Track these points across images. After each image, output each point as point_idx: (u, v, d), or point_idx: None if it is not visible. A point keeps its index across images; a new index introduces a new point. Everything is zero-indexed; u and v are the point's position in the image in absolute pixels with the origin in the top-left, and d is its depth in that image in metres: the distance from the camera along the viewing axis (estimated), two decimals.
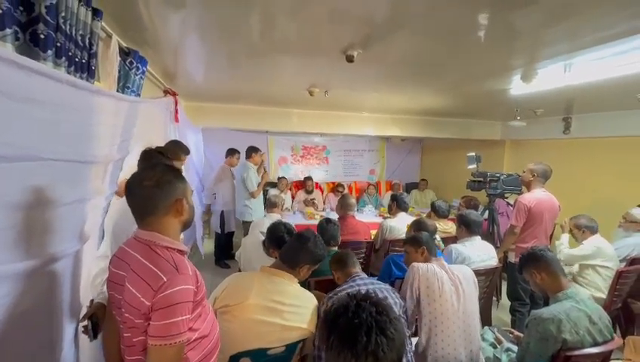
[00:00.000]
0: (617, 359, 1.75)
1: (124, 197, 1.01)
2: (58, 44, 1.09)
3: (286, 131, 5.58)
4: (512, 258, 2.78)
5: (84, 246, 1.35)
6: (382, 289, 1.55)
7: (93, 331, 1.23)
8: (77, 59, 1.23)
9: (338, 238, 2.35)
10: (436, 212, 3.26)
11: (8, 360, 0.96)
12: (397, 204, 3.15)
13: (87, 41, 1.30)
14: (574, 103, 3.62)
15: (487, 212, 3.37)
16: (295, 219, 4.49)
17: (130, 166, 1.76)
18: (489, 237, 3.13)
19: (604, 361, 1.50)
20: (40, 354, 1.10)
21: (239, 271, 2.55)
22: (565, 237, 2.85)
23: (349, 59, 2.07)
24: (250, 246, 2.47)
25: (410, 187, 6.86)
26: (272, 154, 6.50)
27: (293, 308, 1.42)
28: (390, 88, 3.24)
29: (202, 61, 2.59)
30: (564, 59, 2.08)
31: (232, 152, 4.28)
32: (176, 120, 3.17)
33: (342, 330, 0.82)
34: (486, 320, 2.42)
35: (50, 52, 1.05)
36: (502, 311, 3.20)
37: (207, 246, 4.51)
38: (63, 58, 1.13)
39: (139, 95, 2.03)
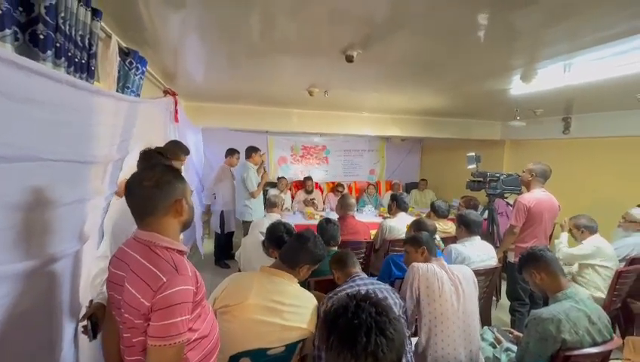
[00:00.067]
0: (617, 359, 1.75)
1: (124, 198, 1.01)
2: (57, 45, 1.09)
3: (286, 131, 5.58)
4: (512, 258, 2.78)
5: (84, 247, 1.35)
6: (382, 290, 1.55)
7: (93, 331, 1.23)
8: (76, 60, 1.23)
9: (338, 238, 2.35)
10: (436, 212, 3.26)
11: (8, 360, 0.96)
12: (397, 204, 3.15)
13: (86, 41, 1.30)
14: (574, 103, 3.62)
15: (486, 212, 3.37)
16: (295, 219, 4.49)
17: (130, 166, 1.76)
18: (489, 237, 3.13)
19: (604, 361, 1.50)
20: (40, 354, 1.10)
21: (239, 271, 2.55)
22: (564, 236, 2.85)
23: (349, 59, 2.07)
24: (250, 247, 2.47)
25: (410, 187, 6.86)
26: (272, 154, 6.50)
27: (292, 308, 1.42)
28: (390, 88, 3.24)
29: (202, 61, 2.59)
30: (564, 59, 2.08)
31: (231, 152, 4.28)
32: (176, 120, 3.17)
33: (341, 331, 0.82)
34: (486, 320, 2.42)
35: (49, 52, 1.05)
36: (501, 310, 3.20)
37: (207, 247, 4.51)
38: (63, 58, 1.13)
39: (138, 95, 2.03)
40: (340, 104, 4.18)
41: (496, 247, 2.70)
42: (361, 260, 2.81)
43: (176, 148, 2.33)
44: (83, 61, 1.29)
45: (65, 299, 1.22)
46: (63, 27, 1.10)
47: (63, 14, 1.10)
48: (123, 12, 1.61)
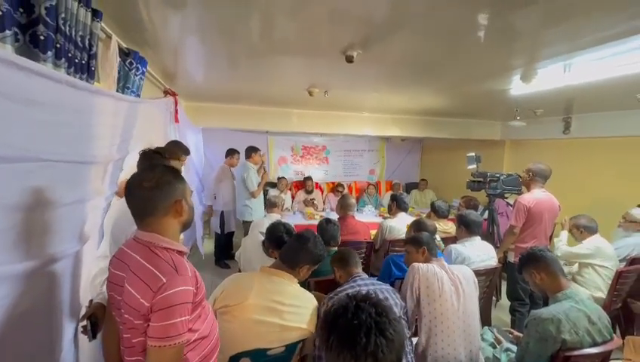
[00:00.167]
0: (617, 359, 1.75)
1: (124, 198, 1.02)
2: (58, 46, 1.09)
3: (286, 131, 5.58)
4: (512, 258, 2.78)
5: (84, 247, 1.35)
6: (382, 290, 1.55)
7: (92, 331, 1.23)
8: (77, 60, 1.23)
9: (338, 238, 2.35)
10: (436, 212, 3.26)
11: (8, 360, 0.96)
12: (397, 204, 3.15)
13: (86, 42, 1.30)
14: (574, 103, 3.62)
15: (486, 212, 3.37)
16: (295, 219, 4.49)
17: (131, 166, 1.76)
18: (489, 237, 3.13)
19: (604, 361, 1.50)
20: (40, 354, 1.10)
21: (239, 271, 2.55)
22: (564, 235, 2.85)
23: (349, 59, 2.07)
24: (250, 247, 2.47)
25: (410, 187, 6.86)
26: (272, 154, 6.50)
27: (292, 309, 1.43)
28: (390, 88, 3.24)
29: (202, 61, 2.59)
30: (564, 59, 2.08)
31: (231, 152, 4.28)
32: (177, 120, 3.17)
33: (341, 331, 0.82)
34: (486, 320, 2.42)
35: (49, 53, 1.06)
36: (501, 311, 3.20)
37: (207, 247, 4.51)
38: (63, 59, 1.13)
39: (139, 95, 2.03)
40: (340, 104, 4.19)
41: (496, 247, 2.70)
42: (362, 260, 2.81)
43: (176, 149, 2.34)
44: (83, 62, 1.29)
45: (65, 300, 1.22)
46: (63, 28, 1.10)
47: (63, 15, 1.10)
48: (123, 13, 1.61)
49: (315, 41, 1.94)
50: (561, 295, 1.53)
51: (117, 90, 1.72)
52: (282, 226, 2.05)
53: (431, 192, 6.36)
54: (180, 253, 1.00)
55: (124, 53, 1.82)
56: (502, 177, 3.22)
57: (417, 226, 2.30)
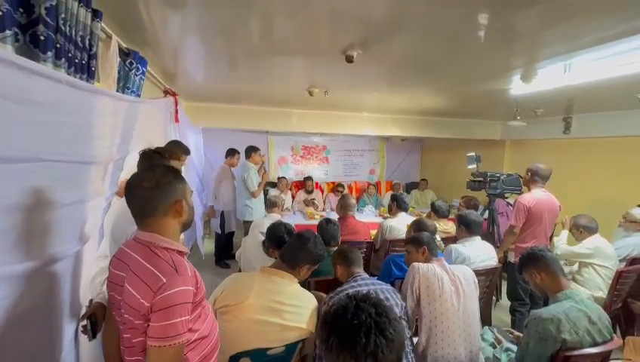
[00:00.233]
0: (617, 359, 1.75)
1: (124, 198, 1.02)
2: (58, 46, 1.09)
3: (286, 131, 5.58)
4: (512, 258, 2.78)
5: (85, 247, 1.35)
6: (383, 290, 1.55)
7: (92, 331, 1.23)
8: (77, 60, 1.23)
9: (338, 238, 2.35)
10: (436, 212, 3.26)
11: (8, 361, 0.96)
12: (397, 204, 3.15)
13: (86, 42, 1.30)
14: (574, 103, 3.62)
15: (487, 212, 3.37)
16: (295, 219, 4.49)
17: (131, 166, 1.76)
18: (489, 237, 3.13)
19: (604, 361, 1.50)
20: (40, 354, 1.10)
21: (239, 271, 2.55)
22: (564, 234, 2.85)
23: (349, 59, 2.07)
24: (250, 247, 2.47)
25: (410, 187, 6.86)
26: (272, 154, 6.50)
27: (293, 308, 1.43)
28: (390, 88, 3.24)
29: (202, 62, 2.59)
30: (563, 59, 2.08)
31: (232, 152, 4.28)
32: (177, 120, 3.17)
33: (341, 331, 0.82)
34: (486, 320, 2.42)
35: (50, 53, 1.06)
36: (502, 311, 3.20)
37: (208, 247, 4.51)
38: (63, 59, 1.13)
39: (139, 95, 2.03)
40: (340, 104, 4.19)
41: (496, 247, 2.70)
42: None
43: (176, 148, 2.34)
44: (83, 62, 1.29)
45: (65, 300, 1.23)
46: (63, 28, 1.10)
47: (63, 15, 1.10)
48: (123, 13, 1.61)
49: (315, 41, 1.94)
50: (561, 295, 1.53)
51: (117, 90, 1.72)
52: (283, 226, 2.05)
53: (431, 192, 6.36)
54: (180, 253, 1.00)
55: (124, 53, 1.82)
56: (502, 177, 3.22)
57: (417, 226, 2.30)
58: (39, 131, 0.96)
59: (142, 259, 0.93)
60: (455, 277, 1.69)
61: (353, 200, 3.14)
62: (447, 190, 6.13)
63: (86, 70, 1.32)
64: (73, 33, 1.18)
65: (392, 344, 0.80)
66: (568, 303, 1.48)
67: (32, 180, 0.97)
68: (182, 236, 1.19)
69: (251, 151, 4.08)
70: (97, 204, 1.47)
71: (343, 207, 3.02)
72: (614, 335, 1.50)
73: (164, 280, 0.88)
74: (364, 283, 1.57)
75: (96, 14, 1.35)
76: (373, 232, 3.13)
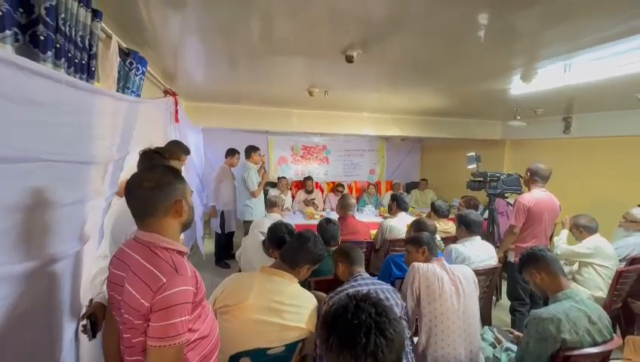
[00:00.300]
0: (617, 359, 1.75)
1: (124, 198, 1.02)
2: (58, 46, 1.09)
3: (286, 131, 5.58)
4: (512, 258, 2.78)
5: (85, 247, 1.35)
6: (383, 290, 1.55)
7: (92, 330, 1.23)
8: (76, 60, 1.23)
9: (338, 238, 2.35)
10: (436, 212, 3.26)
11: (8, 361, 0.96)
12: (397, 204, 3.15)
13: (86, 42, 1.30)
14: (574, 103, 3.62)
15: (487, 212, 3.37)
16: (295, 219, 4.49)
17: (131, 166, 1.76)
18: (489, 237, 3.13)
19: (604, 361, 1.50)
20: (40, 354, 1.10)
21: (239, 271, 2.55)
22: (564, 233, 2.85)
23: (349, 59, 2.07)
24: (250, 246, 2.47)
25: (410, 187, 6.86)
26: (272, 154, 6.50)
27: (293, 308, 1.43)
28: (390, 88, 3.24)
29: (202, 62, 2.59)
30: (563, 59, 2.08)
31: (232, 152, 4.29)
32: (177, 120, 3.17)
33: (341, 331, 0.82)
34: (486, 319, 2.42)
35: (49, 53, 1.06)
36: (502, 310, 3.20)
37: (208, 247, 4.51)
38: (63, 59, 1.13)
39: (139, 95, 2.03)
40: (340, 104, 4.18)
41: (496, 247, 2.70)
42: None
43: (176, 148, 2.34)
44: (83, 62, 1.29)
45: (65, 300, 1.22)
46: (63, 28, 1.10)
47: (63, 15, 1.10)
48: (123, 13, 1.61)
49: (315, 41, 1.94)
50: (561, 295, 1.53)
51: (117, 90, 1.72)
52: (284, 227, 2.05)
53: (431, 192, 6.36)
54: (180, 253, 1.00)
55: (124, 53, 1.82)
56: (502, 177, 3.22)
57: (417, 226, 2.30)
58: (39, 131, 0.96)
59: (142, 259, 0.93)
60: (455, 276, 1.69)
61: (353, 200, 3.14)
62: (447, 190, 6.13)
63: (86, 70, 1.32)
64: (73, 33, 1.18)
65: (392, 344, 0.80)
66: (568, 303, 1.48)
67: (32, 180, 0.97)
68: (182, 236, 1.19)
69: (251, 151, 4.08)
70: (97, 204, 1.47)
71: (343, 206, 3.02)
72: (614, 334, 1.50)
73: (164, 280, 0.88)
74: (365, 283, 1.57)
75: (96, 14, 1.35)
76: (373, 232, 3.14)
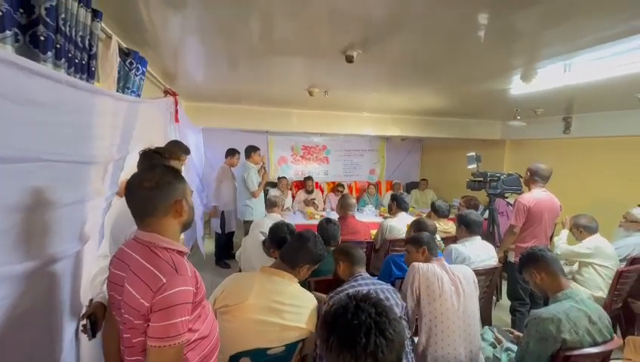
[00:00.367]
0: (617, 359, 1.75)
1: (124, 197, 1.02)
2: (58, 46, 1.09)
3: (286, 131, 5.58)
4: (512, 258, 2.78)
5: (85, 247, 1.35)
6: (383, 290, 1.55)
7: (92, 330, 1.23)
8: (77, 61, 1.23)
9: (338, 238, 2.35)
10: (436, 212, 3.26)
11: (8, 361, 0.96)
12: (397, 204, 3.15)
13: (86, 42, 1.30)
14: (574, 103, 3.62)
15: (487, 212, 3.37)
16: (295, 219, 4.49)
17: (131, 166, 1.76)
18: (489, 237, 3.13)
19: (604, 361, 1.50)
20: (39, 354, 1.10)
21: (239, 271, 2.55)
22: (564, 233, 2.85)
23: (349, 59, 2.07)
24: (250, 246, 2.47)
25: (410, 187, 6.86)
26: (272, 154, 6.50)
27: (293, 308, 1.43)
28: (390, 88, 3.24)
29: (202, 62, 2.59)
30: (563, 59, 2.08)
31: (232, 152, 4.29)
32: (177, 120, 3.17)
33: (341, 331, 0.82)
34: (486, 319, 2.42)
35: (50, 53, 1.06)
36: (502, 310, 3.20)
37: (208, 247, 4.51)
38: (63, 59, 1.13)
39: (139, 95, 2.03)
40: (340, 104, 4.19)
41: (496, 247, 2.70)
42: None
43: (176, 148, 2.34)
44: (83, 62, 1.29)
45: (65, 300, 1.23)
46: (63, 28, 1.10)
47: (63, 15, 1.10)
48: (123, 13, 1.61)
49: (315, 42, 1.94)
50: (561, 295, 1.53)
51: (117, 90, 1.72)
52: (286, 227, 2.05)
53: (431, 192, 6.36)
54: (180, 253, 1.00)
55: (124, 53, 1.82)
56: (502, 177, 3.22)
57: (417, 226, 2.30)
58: (39, 131, 0.96)
59: (142, 259, 0.93)
60: (455, 276, 1.69)
61: (353, 200, 3.14)
62: (448, 190, 6.13)
63: (86, 70, 1.32)
64: (73, 33, 1.18)
65: (392, 344, 0.80)
66: (568, 303, 1.48)
67: (32, 180, 0.97)
68: (182, 236, 1.19)
69: (251, 151, 4.08)
70: (97, 204, 1.48)
71: (343, 206, 3.02)
72: (614, 334, 1.50)
73: (164, 281, 0.88)
74: (365, 283, 1.57)
75: (96, 14, 1.35)
76: (374, 232, 3.14)
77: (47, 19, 1.02)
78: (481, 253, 2.37)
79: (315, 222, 3.36)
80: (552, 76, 2.45)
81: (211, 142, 5.08)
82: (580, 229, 2.73)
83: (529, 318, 1.49)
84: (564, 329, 1.38)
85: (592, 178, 4.15)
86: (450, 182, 6.16)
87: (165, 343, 0.87)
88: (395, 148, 7.29)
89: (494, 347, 1.84)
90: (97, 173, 1.44)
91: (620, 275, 2.38)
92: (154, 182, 0.97)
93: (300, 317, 1.43)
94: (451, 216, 3.58)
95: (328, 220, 2.40)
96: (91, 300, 1.34)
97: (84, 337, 1.28)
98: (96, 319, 1.25)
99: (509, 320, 2.80)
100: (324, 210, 5.41)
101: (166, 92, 3.07)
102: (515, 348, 1.72)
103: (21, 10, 0.98)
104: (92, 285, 1.45)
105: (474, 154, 3.53)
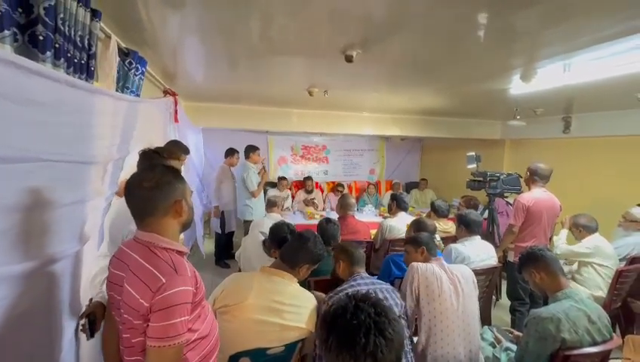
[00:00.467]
0: (616, 358, 1.75)
1: (123, 197, 1.01)
2: (57, 45, 1.09)
3: (286, 131, 5.58)
4: (512, 257, 2.78)
5: (84, 247, 1.35)
6: (382, 290, 1.55)
7: (90, 330, 1.23)
8: (76, 60, 1.23)
9: (338, 238, 2.35)
10: (436, 211, 3.26)
11: (7, 361, 0.96)
12: (397, 204, 3.15)
13: (85, 41, 1.30)
14: (574, 103, 3.62)
15: (486, 211, 3.37)
16: (295, 219, 4.49)
17: (131, 166, 1.76)
18: (489, 236, 3.13)
19: (603, 360, 1.50)
20: (39, 355, 1.10)
21: (239, 270, 2.55)
22: (564, 233, 2.86)
23: (348, 59, 2.07)
24: (250, 246, 2.47)
25: (410, 186, 6.86)
26: (272, 154, 6.50)
27: (292, 308, 1.43)
28: (390, 88, 3.24)
29: (202, 62, 2.59)
30: (563, 58, 2.08)
31: (231, 152, 4.29)
32: (176, 120, 3.17)
33: (340, 331, 0.82)
34: (486, 319, 2.42)
35: (49, 53, 1.06)
36: (501, 310, 3.20)
37: (208, 246, 4.51)
38: (62, 59, 1.13)
39: (138, 95, 2.03)
40: (339, 104, 4.18)
41: (496, 247, 2.70)
42: None
43: (176, 148, 2.33)
44: (82, 62, 1.29)
45: (64, 300, 1.22)
46: (62, 28, 1.10)
47: (62, 15, 1.10)
48: (122, 13, 1.61)
49: (314, 41, 1.94)
50: (560, 294, 1.53)
51: (116, 90, 1.72)
52: (286, 227, 2.05)
53: (431, 192, 6.36)
54: (180, 253, 1.00)
55: (124, 53, 1.82)
56: (502, 176, 3.22)
57: (417, 226, 2.30)
58: (39, 131, 0.96)
59: (141, 259, 0.93)
60: (454, 276, 1.69)
61: (353, 200, 3.14)
62: (447, 190, 6.14)
63: (85, 70, 1.32)
64: (72, 33, 1.18)
65: (391, 344, 0.80)
66: (568, 302, 1.48)
67: (31, 180, 0.96)
68: (181, 236, 1.19)
69: (250, 150, 4.08)
70: (97, 204, 1.47)
71: (343, 206, 3.02)
72: (614, 334, 1.50)
73: (164, 281, 0.88)
74: (364, 283, 1.57)
75: (95, 14, 1.35)
76: (373, 232, 3.14)
77: (46, 19, 1.02)
78: (480, 252, 2.37)
79: (315, 222, 3.36)
80: (552, 76, 2.45)
81: (211, 142, 5.08)
82: (580, 229, 2.73)
83: (528, 318, 1.50)
84: (564, 328, 1.38)
85: (591, 177, 4.15)
86: (449, 182, 6.17)
87: (165, 343, 0.87)
88: (394, 148, 7.29)
89: (494, 346, 1.84)
90: (97, 173, 1.44)
91: (619, 275, 2.38)
92: (154, 182, 0.97)
93: (300, 317, 1.43)
94: (451, 215, 3.58)
95: (328, 220, 2.40)
96: (91, 299, 1.34)
97: (83, 337, 1.28)
98: (95, 318, 1.24)
99: (509, 320, 2.80)
100: (323, 209, 5.41)
101: (165, 92, 3.06)
102: (514, 347, 1.73)
103: (20, 10, 0.98)
104: (92, 285, 1.45)
105: (473, 153, 3.53)
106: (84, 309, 1.33)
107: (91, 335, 1.23)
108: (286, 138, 6.50)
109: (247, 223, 3.90)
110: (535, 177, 2.71)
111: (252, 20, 1.69)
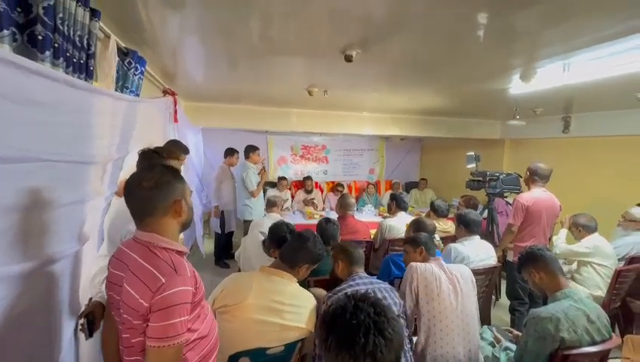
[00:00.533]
0: (615, 358, 1.76)
1: (122, 197, 1.01)
2: (56, 45, 1.09)
3: (285, 131, 5.58)
4: (511, 257, 2.78)
5: (84, 247, 1.35)
6: (381, 289, 1.55)
7: (89, 329, 1.23)
8: (75, 60, 1.23)
9: (337, 238, 2.35)
10: (435, 211, 3.26)
11: (6, 361, 0.96)
12: (396, 204, 3.15)
13: (85, 41, 1.30)
14: (574, 102, 3.62)
15: (486, 211, 3.37)
16: (295, 219, 4.49)
17: (131, 165, 1.76)
18: (488, 236, 3.13)
19: (602, 360, 1.50)
20: (38, 355, 1.10)
21: (239, 270, 2.55)
22: (563, 233, 2.86)
23: (348, 59, 2.07)
24: (250, 246, 2.47)
25: (409, 186, 6.86)
26: (272, 154, 6.50)
27: (292, 308, 1.43)
28: (390, 88, 3.24)
29: (202, 62, 2.58)
30: (563, 58, 2.08)
31: (231, 152, 4.28)
32: (176, 120, 3.17)
33: (340, 331, 0.82)
34: (485, 319, 2.42)
35: (48, 53, 1.05)
36: (501, 310, 3.21)
37: (207, 246, 4.51)
38: (61, 59, 1.13)
39: (138, 95, 2.03)
40: (339, 104, 4.18)
41: (495, 247, 2.70)
42: None
43: (175, 148, 2.33)
44: (81, 61, 1.29)
45: (64, 300, 1.22)
46: (61, 28, 1.10)
47: (61, 15, 1.09)
48: (122, 12, 1.61)
49: (314, 41, 1.94)
50: (560, 294, 1.54)
51: (116, 90, 1.72)
52: (286, 226, 2.05)
53: (430, 191, 6.36)
54: (180, 253, 1.00)
55: (123, 53, 1.82)
56: (501, 176, 3.22)
57: (417, 226, 2.30)
58: (39, 131, 0.96)
59: (141, 259, 0.93)
60: (453, 276, 1.69)
61: (353, 200, 3.14)
62: (447, 189, 6.14)
63: (84, 70, 1.31)
64: (71, 33, 1.18)
65: (390, 343, 0.80)
66: (567, 302, 1.48)
67: (31, 180, 0.96)
68: (181, 236, 1.19)
69: (250, 150, 4.08)
70: (97, 204, 1.47)
71: (343, 206, 3.02)
72: (613, 334, 1.50)
73: (163, 281, 0.88)
74: (362, 283, 1.57)
75: (94, 14, 1.35)
76: (373, 231, 3.14)
77: (45, 19, 1.02)
78: (480, 252, 2.37)
79: (315, 221, 3.36)
80: (552, 76, 2.45)
81: (211, 142, 5.08)
82: (579, 228, 2.73)
83: (528, 317, 1.50)
84: (563, 328, 1.38)
85: (590, 177, 4.16)
86: (449, 182, 6.17)
87: (164, 343, 0.87)
88: (394, 148, 7.29)
89: (493, 346, 1.84)
90: (96, 173, 1.44)
91: (618, 274, 2.38)
92: (153, 181, 0.97)
93: (300, 316, 1.43)
94: (450, 215, 3.58)
95: (328, 220, 2.40)
96: (90, 299, 1.34)
97: (83, 337, 1.28)
98: (94, 318, 1.24)
99: (508, 320, 2.81)
100: (323, 209, 5.42)
101: (165, 92, 3.06)
102: (514, 347, 1.73)
103: (19, 10, 0.98)
104: (92, 285, 1.45)
105: (473, 153, 3.53)
106: (83, 309, 1.33)
107: (90, 334, 1.23)
108: (286, 138, 6.49)
109: (246, 223, 3.90)
110: (535, 177, 2.72)
111: (252, 20, 1.68)
